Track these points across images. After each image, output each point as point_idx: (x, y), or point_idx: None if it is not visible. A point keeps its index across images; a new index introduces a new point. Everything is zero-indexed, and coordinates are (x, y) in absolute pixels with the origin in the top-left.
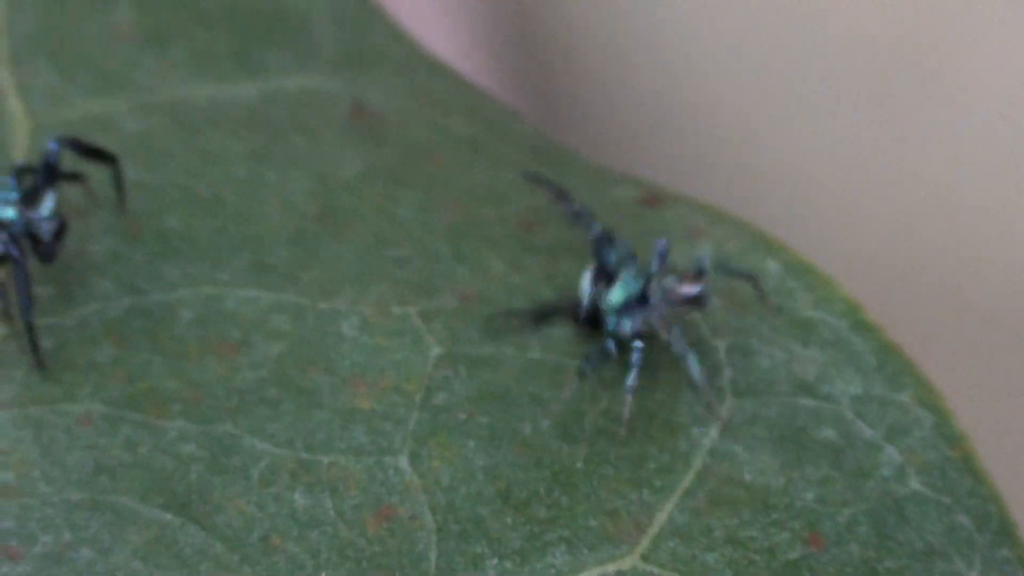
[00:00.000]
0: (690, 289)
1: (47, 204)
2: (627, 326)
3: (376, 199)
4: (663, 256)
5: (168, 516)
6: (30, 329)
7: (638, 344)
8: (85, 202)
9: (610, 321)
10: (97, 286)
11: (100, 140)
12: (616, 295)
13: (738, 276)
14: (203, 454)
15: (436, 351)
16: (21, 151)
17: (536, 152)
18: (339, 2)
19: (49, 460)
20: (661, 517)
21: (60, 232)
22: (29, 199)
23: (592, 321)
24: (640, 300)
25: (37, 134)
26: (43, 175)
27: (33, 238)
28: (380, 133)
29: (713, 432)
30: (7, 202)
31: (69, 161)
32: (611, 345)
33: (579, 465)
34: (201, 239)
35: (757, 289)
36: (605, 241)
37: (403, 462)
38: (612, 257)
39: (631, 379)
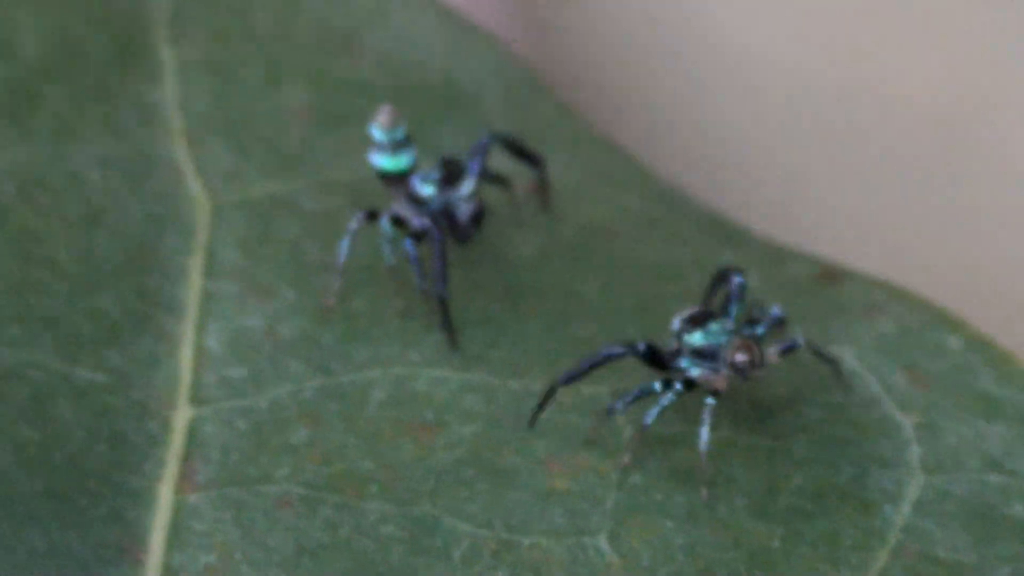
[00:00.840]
0: (739, 356)
1: (467, 186)
2: (694, 371)
3: (557, 277)
4: (767, 319)
5: None
6: (443, 305)
7: (710, 401)
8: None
9: (683, 360)
10: (288, 367)
11: (285, 219)
12: (697, 337)
13: (822, 359)
14: (403, 535)
15: (628, 431)
16: (204, 231)
17: (710, 227)
18: (509, 81)
19: (250, 542)
20: None
21: (477, 215)
22: (450, 181)
23: (657, 362)
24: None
25: (218, 214)
26: (470, 162)
27: (451, 219)
28: (556, 210)
29: (906, 509)
30: (427, 180)
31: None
32: (656, 385)
33: (776, 544)
34: (389, 319)
35: (835, 373)
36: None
37: (602, 542)
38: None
39: (703, 437)
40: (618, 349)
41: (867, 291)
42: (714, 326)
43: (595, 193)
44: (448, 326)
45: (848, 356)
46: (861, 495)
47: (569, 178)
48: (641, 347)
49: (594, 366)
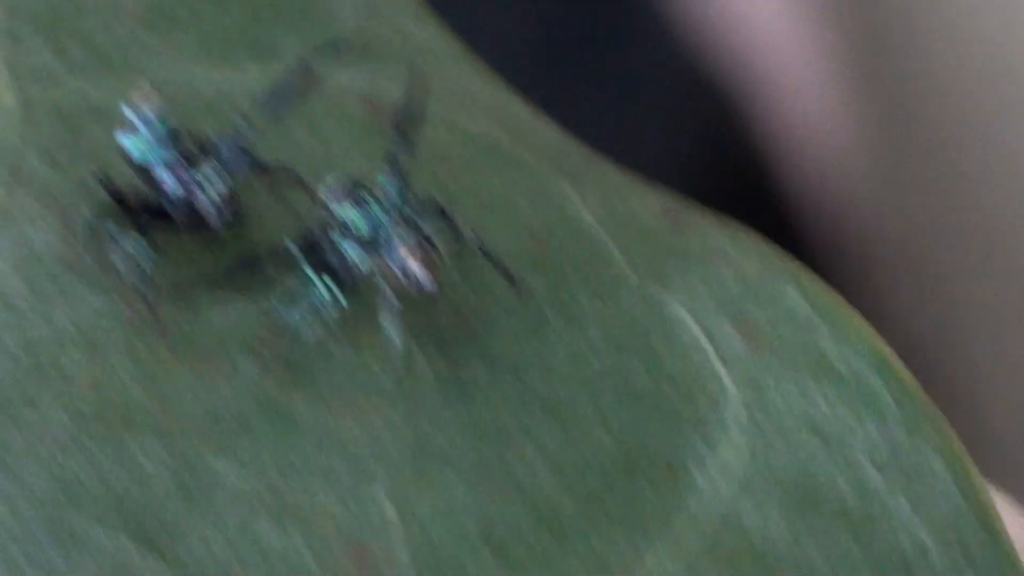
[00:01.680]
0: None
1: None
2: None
3: None
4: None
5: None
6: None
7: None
8: None
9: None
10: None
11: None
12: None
13: (491, 261)
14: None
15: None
16: (13, 137)
17: (559, 157)
18: None
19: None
20: (652, 564)
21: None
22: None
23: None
24: None
25: (27, 120)
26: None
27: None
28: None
29: (716, 474)
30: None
31: None
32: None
33: (569, 508)
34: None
35: (507, 279)
36: None
37: (382, 495)
38: None
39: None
40: None
41: (712, 236)
42: (373, 204)
43: (438, 114)
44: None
45: (676, 304)
46: (669, 457)
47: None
48: None
49: None
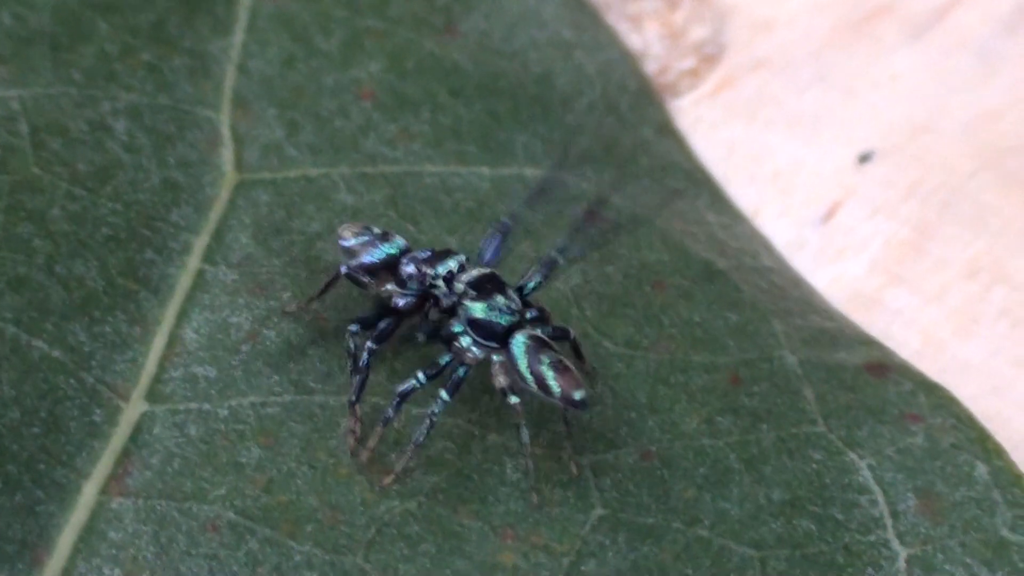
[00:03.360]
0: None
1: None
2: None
3: (584, 325)
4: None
5: None
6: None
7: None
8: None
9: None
10: (261, 376)
11: (306, 210)
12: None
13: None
14: None
15: (598, 512)
16: (219, 208)
17: (773, 290)
18: (613, 91)
19: (163, 563)
20: None
21: None
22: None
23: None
24: None
25: (241, 191)
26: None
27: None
28: (609, 245)
29: None
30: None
31: None
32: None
33: None
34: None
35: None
36: None
37: None
38: None
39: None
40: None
41: (911, 396)
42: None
43: (661, 231)
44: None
45: (864, 468)
46: None
47: (645, 212)
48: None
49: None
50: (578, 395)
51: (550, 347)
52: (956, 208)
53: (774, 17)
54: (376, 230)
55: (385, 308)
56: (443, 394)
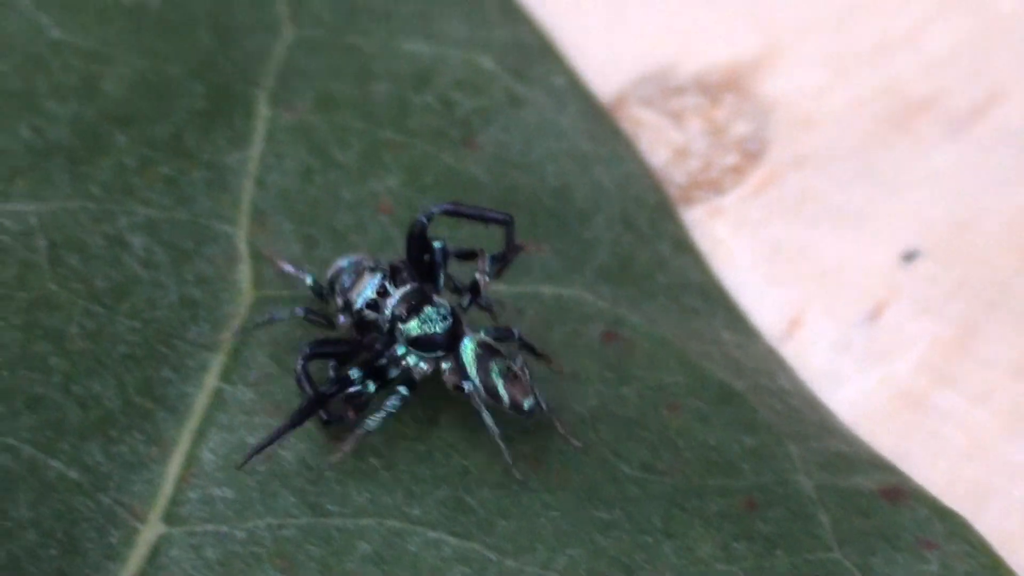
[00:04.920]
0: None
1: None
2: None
3: (599, 448)
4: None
5: None
6: None
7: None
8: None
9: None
10: (278, 497)
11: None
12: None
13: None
14: None
15: None
16: (238, 324)
17: (789, 415)
18: (631, 206)
19: None
20: None
21: None
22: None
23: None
24: None
25: (259, 308)
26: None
27: None
28: (626, 366)
29: None
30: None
31: None
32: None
33: None
34: (400, 464)
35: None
36: None
37: None
38: None
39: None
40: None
41: (926, 522)
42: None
43: (677, 352)
44: None
45: None
46: None
47: (662, 331)
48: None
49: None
50: (527, 404)
51: (499, 353)
52: (1002, 306)
53: (816, 113)
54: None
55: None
56: (402, 389)
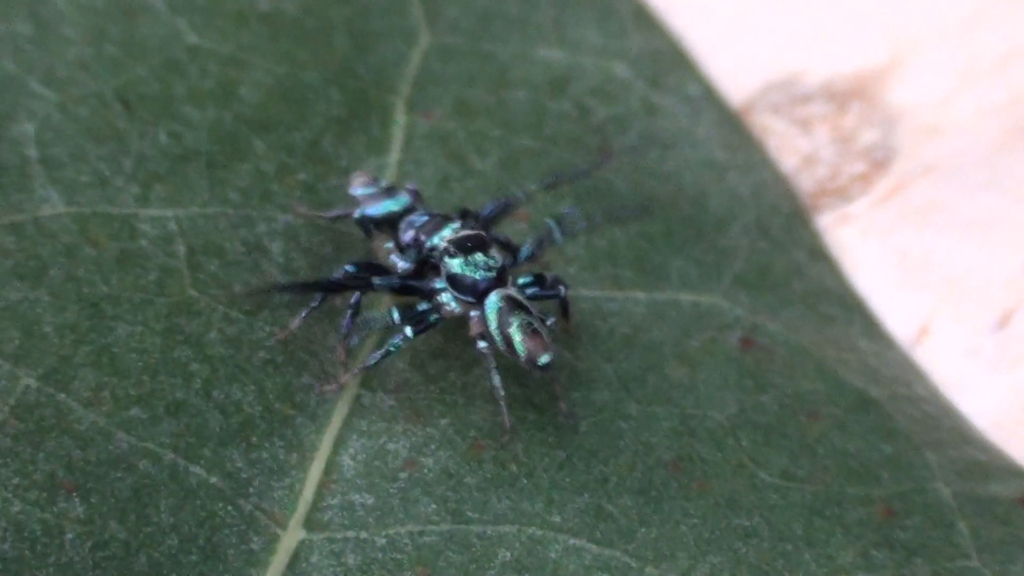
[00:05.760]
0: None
1: None
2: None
3: (739, 455)
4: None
5: None
6: None
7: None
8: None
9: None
10: (419, 504)
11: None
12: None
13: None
14: None
15: None
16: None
17: (931, 424)
18: (766, 213)
19: None
20: None
21: None
22: None
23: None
24: None
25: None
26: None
27: None
28: (764, 374)
29: None
30: None
31: None
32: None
33: None
34: (541, 471)
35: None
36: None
37: None
38: None
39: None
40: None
41: None
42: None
43: (815, 359)
44: None
45: None
46: None
47: (794, 337)
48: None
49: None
50: (543, 359)
51: (524, 309)
52: None
53: (942, 121)
54: (383, 184)
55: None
56: (408, 330)
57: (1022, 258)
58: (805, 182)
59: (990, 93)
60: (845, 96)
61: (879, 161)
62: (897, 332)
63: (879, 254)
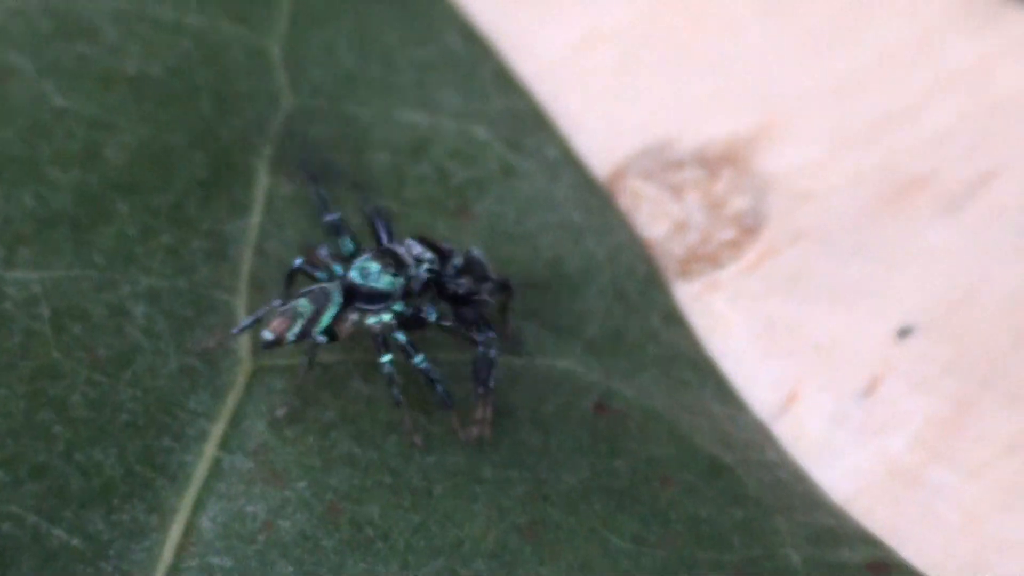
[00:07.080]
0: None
1: None
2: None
3: (592, 520)
4: None
5: None
6: None
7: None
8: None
9: None
10: (275, 568)
11: (327, 398)
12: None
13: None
14: None
15: None
16: (235, 395)
17: (781, 490)
18: (622, 277)
19: None
20: None
21: None
22: None
23: None
24: None
25: (257, 379)
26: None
27: None
28: (618, 439)
29: None
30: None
31: None
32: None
33: None
34: (396, 535)
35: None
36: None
37: None
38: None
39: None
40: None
41: None
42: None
43: (668, 425)
44: None
45: None
46: None
47: (653, 403)
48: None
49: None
50: (264, 334)
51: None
52: (996, 384)
53: (814, 189)
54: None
55: None
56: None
57: (889, 325)
58: (676, 248)
59: (861, 160)
60: (717, 162)
61: (749, 227)
62: (765, 399)
63: (747, 321)
